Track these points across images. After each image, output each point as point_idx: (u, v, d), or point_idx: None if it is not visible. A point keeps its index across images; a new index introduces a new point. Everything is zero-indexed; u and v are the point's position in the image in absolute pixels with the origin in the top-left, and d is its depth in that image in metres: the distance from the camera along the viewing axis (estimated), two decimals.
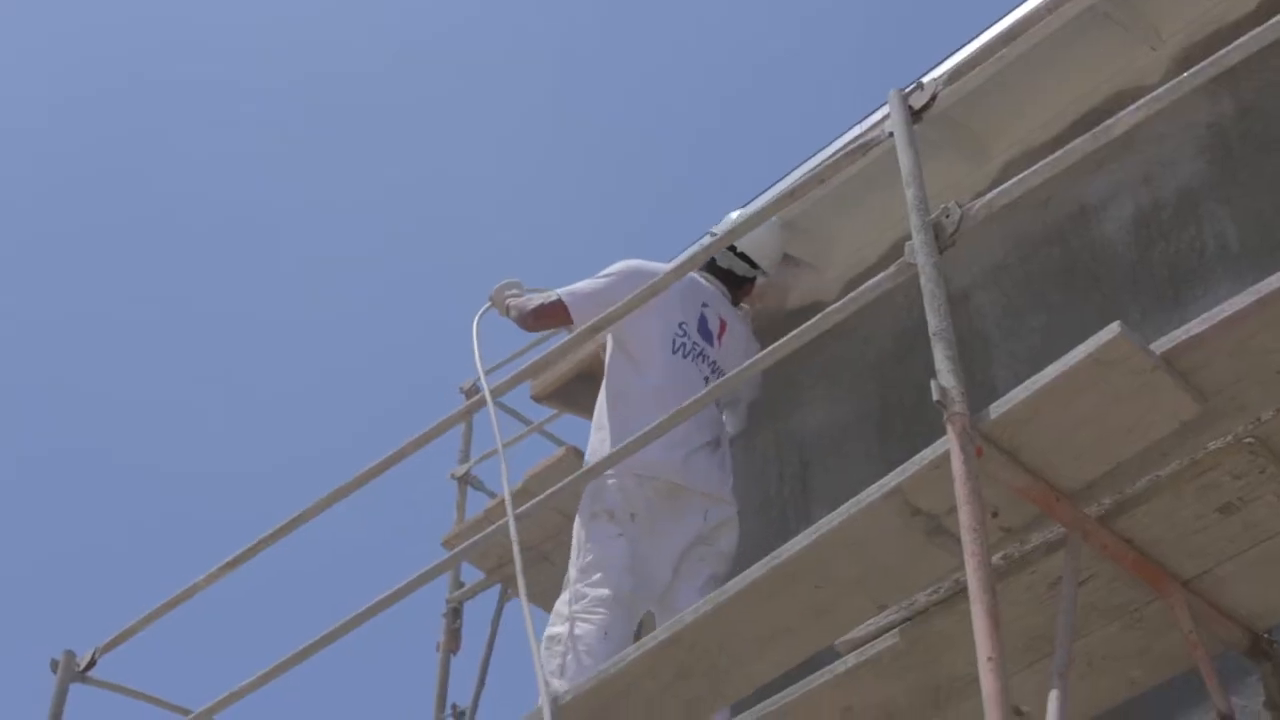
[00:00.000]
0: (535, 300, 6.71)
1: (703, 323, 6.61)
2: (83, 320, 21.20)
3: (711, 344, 6.60)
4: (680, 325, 6.53)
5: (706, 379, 6.47)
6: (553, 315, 6.66)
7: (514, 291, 6.87)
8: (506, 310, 6.85)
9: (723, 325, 6.68)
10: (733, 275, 6.87)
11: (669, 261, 6.74)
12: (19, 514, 20.48)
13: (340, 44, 22.24)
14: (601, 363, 7.09)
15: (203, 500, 20.50)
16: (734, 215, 6.88)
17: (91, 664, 6.63)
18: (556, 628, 6.05)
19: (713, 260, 6.83)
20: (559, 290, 6.64)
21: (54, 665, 6.64)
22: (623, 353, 6.54)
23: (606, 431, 6.38)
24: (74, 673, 6.62)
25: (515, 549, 5.35)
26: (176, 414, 20.82)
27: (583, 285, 6.62)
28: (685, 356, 6.47)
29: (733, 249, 6.83)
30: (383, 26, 22.27)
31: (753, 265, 6.88)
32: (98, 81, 21.19)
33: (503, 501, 7.78)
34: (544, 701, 4.83)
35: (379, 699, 18.56)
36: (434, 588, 8.03)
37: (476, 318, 6.81)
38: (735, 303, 6.90)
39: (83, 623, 15.11)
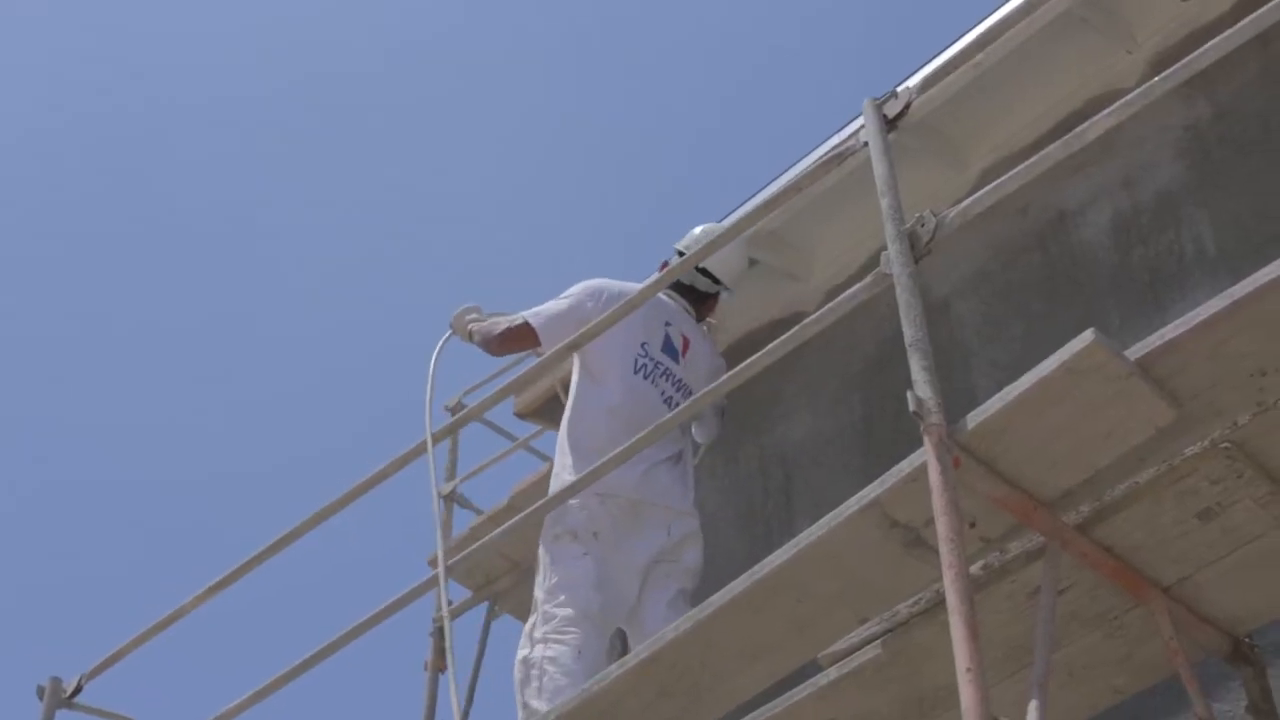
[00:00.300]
0: (501, 325, 6.66)
1: (666, 341, 6.58)
2: (59, 332, 21.24)
3: (676, 361, 6.57)
4: (642, 345, 6.50)
5: (670, 398, 6.45)
6: (519, 339, 6.64)
7: (474, 316, 6.81)
8: (469, 336, 6.79)
9: (686, 342, 6.65)
10: (695, 291, 6.83)
11: (639, 279, 6.69)
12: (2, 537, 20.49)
13: (340, 44, 22.31)
14: None
15: (191, 506, 20.51)
16: (698, 230, 6.83)
17: (78, 690, 6.63)
18: (526, 650, 6.03)
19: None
20: (524, 313, 6.61)
21: (40, 692, 6.64)
22: (585, 373, 6.52)
23: (568, 453, 6.37)
24: (60, 699, 6.61)
25: (447, 625, 5.36)
26: (165, 419, 20.82)
27: (547, 307, 6.58)
28: (646, 377, 6.45)
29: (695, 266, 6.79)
30: (382, 26, 22.36)
31: (715, 281, 6.83)
32: (95, 81, 21.26)
33: (489, 518, 7.84)
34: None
35: (368, 718, 18.55)
36: (421, 606, 8.03)
37: (438, 347, 6.75)
38: (699, 319, 6.86)
39: (67, 647, 15.11)
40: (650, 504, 6.24)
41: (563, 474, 6.29)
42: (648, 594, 6.16)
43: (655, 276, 6.35)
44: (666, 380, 6.48)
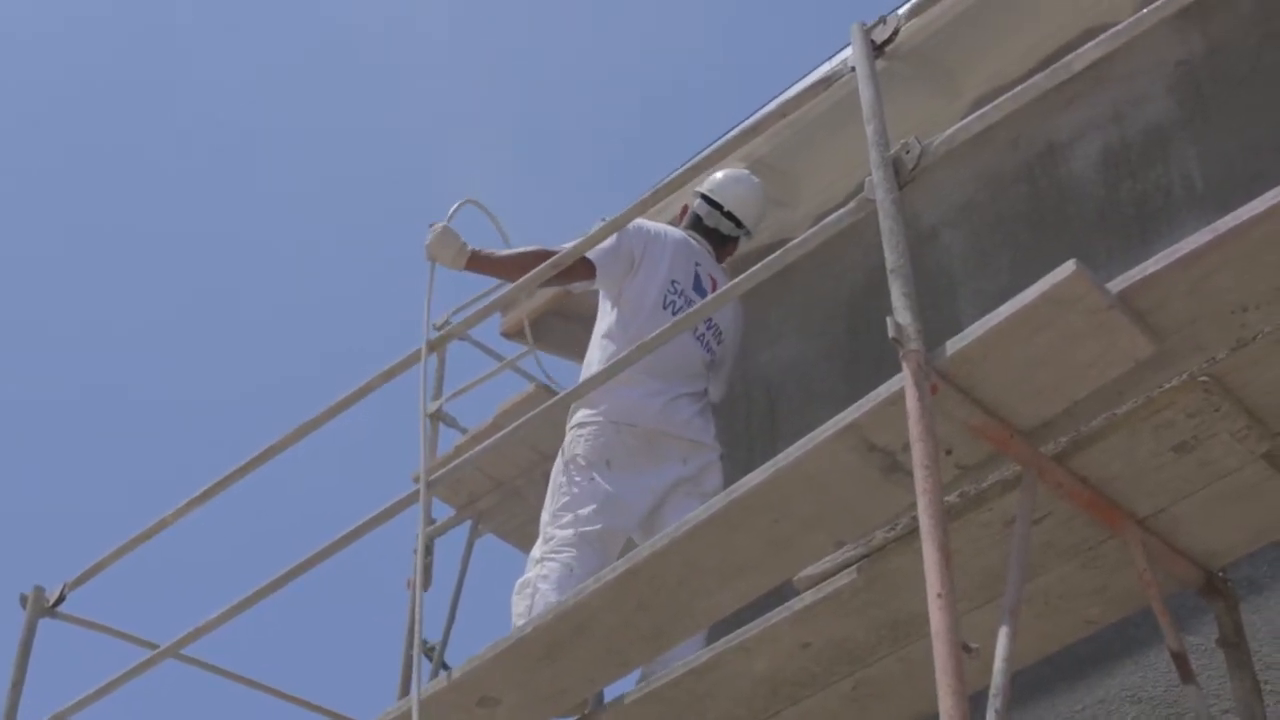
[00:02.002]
0: (534, 254, 6.33)
1: (696, 280, 6.57)
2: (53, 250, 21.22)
3: None
4: (673, 283, 6.49)
5: (702, 336, 6.45)
6: (570, 271, 6.23)
7: (464, 240, 6.48)
8: (474, 264, 6.52)
9: (713, 283, 6.64)
10: (718, 234, 6.82)
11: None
12: None
13: None
14: (571, 299, 7.08)
15: (177, 431, 20.50)
16: (720, 175, 6.82)
17: (61, 599, 6.64)
18: (528, 573, 6.06)
19: (699, 220, 6.80)
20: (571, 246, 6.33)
21: (23, 600, 6.66)
22: (616, 307, 6.49)
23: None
24: (43, 608, 6.63)
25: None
26: (151, 342, 20.83)
27: (601, 245, 6.28)
28: (675, 314, 6.41)
29: (719, 209, 6.79)
30: None
31: (738, 225, 6.83)
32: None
33: (473, 437, 7.85)
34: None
35: (350, 636, 18.63)
36: (405, 524, 8.05)
37: (430, 283, 6.36)
38: (719, 261, 6.84)
39: (52, 559, 15.15)
40: (668, 435, 6.24)
41: (587, 405, 6.24)
42: (667, 509, 6.13)
43: (638, 198, 6.29)
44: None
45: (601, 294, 6.62)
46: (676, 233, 6.69)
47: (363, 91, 21.96)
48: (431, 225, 6.51)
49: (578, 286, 6.63)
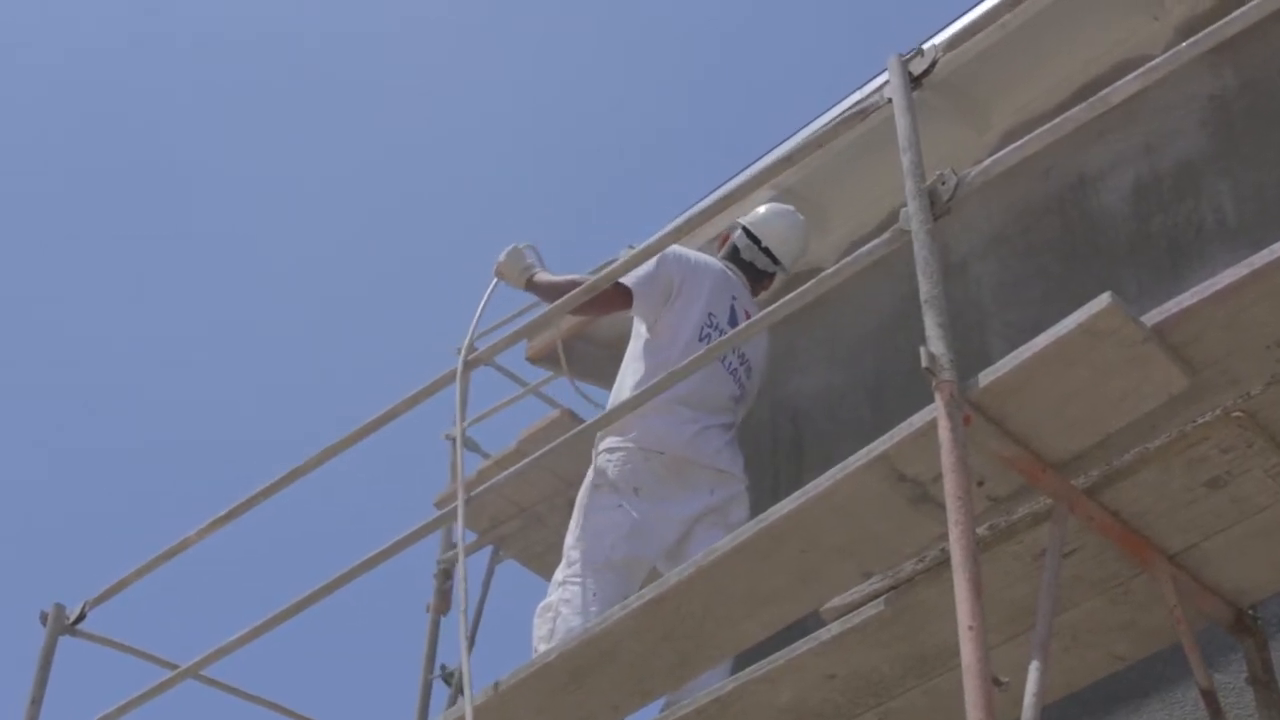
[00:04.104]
0: (575, 283, 6.32)
1: (732, 314, 6.55)
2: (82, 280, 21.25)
3: None
4: (709, 316, 6.47)
5: (734, 370, 6.43)
6: (608, 300, 6.33)
7: (533, 261, 6.63)
8: (528, 284, 6.60)
9: (747, 318, 6.62)
10: (754, 269, 6.80)
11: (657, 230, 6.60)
12: (10, 467, 20.50)
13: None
14: (597, 325, 7.07)
15: (200, 468, 20.45)
16: (763, 210, 6.81)
17: (81, 617, 6.64)
18: (550, 596, 6.05)
19: (737, 252, 6.77)
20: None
21: (44, 618, 6.65)
22: (651, 335, 6.46)
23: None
24: (63, 625, 6.62)
25: (461, 562, 5.32)
26: (179, 375, 20.83)
27: (640, 270, 6.34)
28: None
29: (758, 243, 6.76)
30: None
31: (774, 261, 6.81)
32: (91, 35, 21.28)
33: (496, 463, 7.85)
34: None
35: (369, 659, 18.60)
36: (425, 549, 8.06)
37: (485, 297, 6.43)
38: (754, 294, 6.82)
39: (73, 577, 15.13)
40: (696, 464, 6.22)
41: (616, 432, 6.23)
42: (693, 540, 6.10)
43: (667, 226, 6.30)
44: (732, 352, 6.43)
45: (635, 320, 6.59)
46: (715, 264, 6.67)
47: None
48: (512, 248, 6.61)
49: (615, 313, 6.61)
